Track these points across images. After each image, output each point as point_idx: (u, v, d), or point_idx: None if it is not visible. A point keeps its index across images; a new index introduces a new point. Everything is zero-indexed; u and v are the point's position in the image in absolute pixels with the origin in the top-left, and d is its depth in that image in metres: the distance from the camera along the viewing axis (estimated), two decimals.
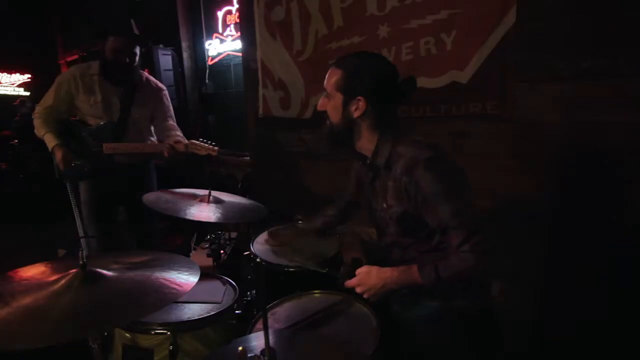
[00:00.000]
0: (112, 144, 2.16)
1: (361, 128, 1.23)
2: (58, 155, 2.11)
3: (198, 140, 2.11)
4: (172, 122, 2.37)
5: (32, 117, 2.20)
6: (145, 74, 2.36)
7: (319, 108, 1.29)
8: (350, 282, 1.24)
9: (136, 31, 2.17)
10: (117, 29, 2.12)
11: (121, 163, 2.22)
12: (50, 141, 2.14)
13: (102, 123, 2.19)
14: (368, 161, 1.27)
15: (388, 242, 1.33)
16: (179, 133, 2.29)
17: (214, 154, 2.08)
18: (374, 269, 1.21)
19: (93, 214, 2.30)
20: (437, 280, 1.09)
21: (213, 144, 2.10)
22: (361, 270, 1.23)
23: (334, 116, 1.25)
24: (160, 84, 2.40)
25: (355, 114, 1.20)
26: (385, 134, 1.22)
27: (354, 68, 1.20)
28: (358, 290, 1.22)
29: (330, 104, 1.25)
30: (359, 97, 1.18)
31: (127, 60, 2.13)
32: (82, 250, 0.94)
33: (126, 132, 2.23)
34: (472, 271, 1.08)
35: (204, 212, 1.55)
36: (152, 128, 2.39)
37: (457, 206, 1.09)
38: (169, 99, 2.42)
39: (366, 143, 1.25)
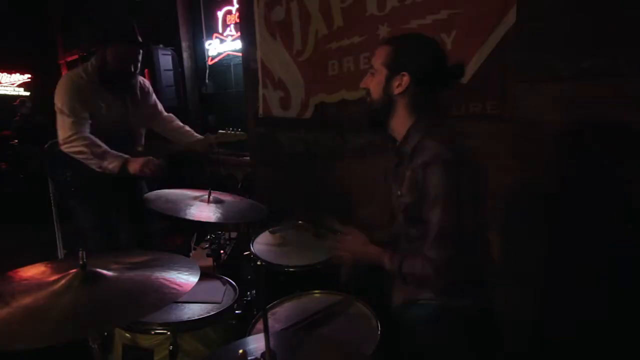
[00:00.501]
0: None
1: (398, 107, 1.23)
2: (138, 164, 1.93)
3: (224, 130, 2.13)
4: (167, 113, 2.38)
5: (71, 150, 1.92)
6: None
7: (362, 85, 1.30)
8: (341, 239, 1.35)
9: (139, 37, 2.07)
10: (123, 36, 1.99)
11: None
12: (116, 157, 1.95)
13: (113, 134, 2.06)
14: (397, 145, 1.28)
15: (396, 231, 1.35)
16: (180, 122, 2.32)
17: (245, 138, 2.15)
18: (361, 238, 1.30)
19: (97, 225, 2.15)
20: (398, 272, 1.15)
21: (239, 130, 2.13)
22: (352, 234, 1.33)
23: (375, 92, 1.25)
24: (143, 79, 2.30)
25: (397, 90, 1.20)
26: (420, 121, 1.22)
27: (402, 44, 1.22)
28: (339, 247, 1.33)
29: (374, 80, 1.25)
30: (404, 73, 1.18)
31: (132, 68, 2.05)
32: (82, 251, 0.94)
33: (137, 138, 2.21)
34: (427, 281, 1.14)
35: (204, 212, 1.55)
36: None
37: (445, 217, 1.08)
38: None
39: (399, 125, 1.25)
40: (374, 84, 1.26)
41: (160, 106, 2.38)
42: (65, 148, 1.94)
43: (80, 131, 1.93)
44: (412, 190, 1.18)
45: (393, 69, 1.20)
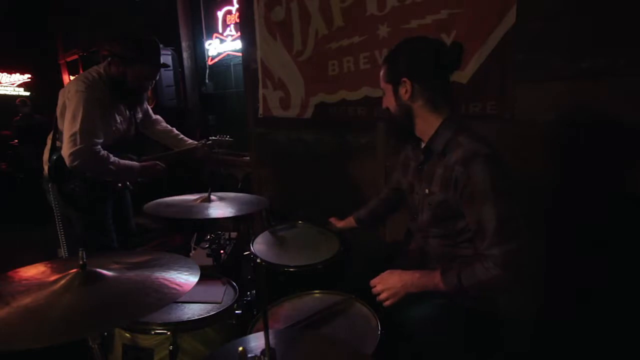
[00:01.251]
0: (153, 156, 2.22)
1: (415, 111, 1.26)
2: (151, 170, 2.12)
3: (215, 137, 2.35)
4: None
5: (84, 161, 1.84)
6: None
7: (384, 106, 1.35)
8: (373, 281, 1.28)
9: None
10: (150, 59, 1.98)
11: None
12: (130, 166, 2.04)
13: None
14: (423, 144, 1.29)
15: (414, 229, 1.37)
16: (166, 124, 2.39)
17: (231, 143, 2.37)
18: (397, 271, 1.25)
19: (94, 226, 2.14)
20: (459, 287, 1.10)
21: (227, 136, 2.33)
22: (384, 273, 1.27)
23: (393, 107, 1.30)
24: None
25: (406, 97, 1.24)
26: (449, 119, 1.23)
27: (391, 55, 1.29)
28: (378, 288, 1.25)
29: (387, 99, 1.32)
30: (403, 79, 1.23)
31: (150, 86, 2.11)
32: (82, 251, 0.94)
33: (131, 144, 2.21)
34: (495, 282, 1.08)
35: (206, 211, 1.55)
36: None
37: (501, 210, 1.08)
38: None
39: (424, 126, 1.27)
40: (388, 102, 1.32)
41: (150, 109, 2.40)
42: (77, 160, 1.83)
43: (95, 143, 1.89)
44: (446, 188, 1.18)
45: (394, 81, 1.26)
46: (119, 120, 2.06)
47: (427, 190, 1.26)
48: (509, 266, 1.07)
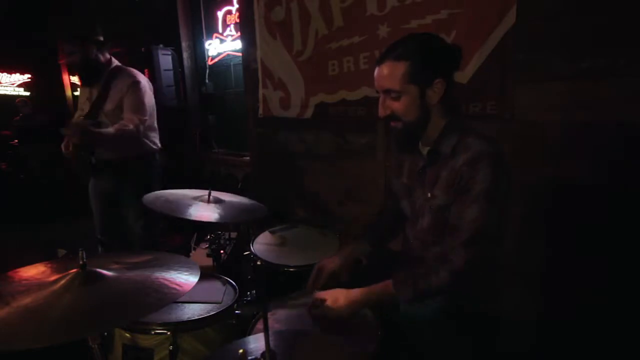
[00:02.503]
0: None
1: (433, 114, 1.17)
2: None
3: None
4: (132, 115, 2.18)
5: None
6: (122, 67, 2.29)
7: (383, 114, 1.18)
8: (319, 294, 1.23)
9: (79, 29, 2.17)
10: (56, 32, 2.15)
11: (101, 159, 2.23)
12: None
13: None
14: (424, 148, 1.23)
15: (411, 235, 1.32)
16: (126, 125, 2.16)
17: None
18: (344, 291, 1.20)
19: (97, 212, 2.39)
20: (414, 299, 1.11)
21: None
22: (330, 293, 1.22)
23: (410, 113, 1.15)
24: (135, 75, 2.25)
25: (435, 99, 1.13)
26: (454, 121, 1.18)
27: (420, 53, 1.11)
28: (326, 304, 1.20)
29: (401, 103, 1.14)
30: (438, 80, 1.11)
31: (72, 60, 2.16)
32: (82, 251, 0.94)
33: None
34: (451, 287, 1.09)
35: (204, 212, 1.55)
36: None
37: (485, 216, 1.07)
38: (142, 90, 2.23)
39: (432, 129, 1.19)
40: (403, 107, 1.14)
41: (128, 109, 2.28)
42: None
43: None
44: (449, 190, 1.15)
45: (423, 82, 1.12)
46: (82, 101, 2.29)
47: (429, 194, 1.21)
48: (467, 273, 1.07)
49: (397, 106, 1.15)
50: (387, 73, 1.13)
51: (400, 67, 1.11)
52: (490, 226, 1.09)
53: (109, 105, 2.21)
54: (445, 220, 1.17)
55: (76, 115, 2.35)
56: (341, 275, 1.37)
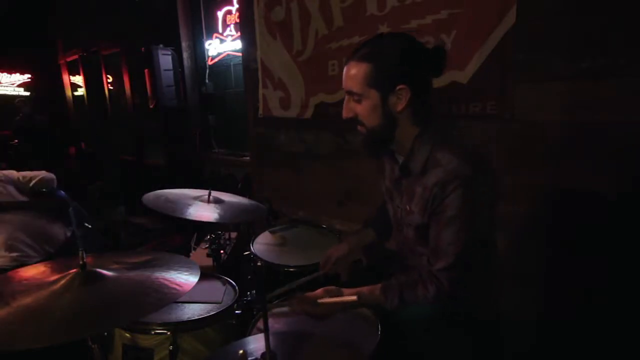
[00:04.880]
0: None
1: (400, 121, 1.08)
2: None
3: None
4: None
5: None
6: None
7: (346, 116, 1.12)
8: (312, 294, 1.19)
9: None
10: None
11: None
12: None
13: None
14: (399, 157, 1.17)
15: (399, 241, 1.31)
16: None
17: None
18: (332, 293, 1.18)
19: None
20: (399, 305, 1.11)
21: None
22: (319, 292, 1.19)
23: (372, 119, 1.08)
24: None
25: (399, 107, 1.05)
26: (425, 132, 1.09)
27: (384, 55, 1.03)
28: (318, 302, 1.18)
29: (362, 106, 1.08)
30: (401, 86, 1.03)
31: None
32: (82, 250, 0.94)
33: None
34: (435, 302, 1.08)
35: (204, 212, 1.55)
36: None
37: (462, 237, 1.03)
38: None
39: (401, 136, 1.11)
40: (365, 111, 1.08)
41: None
42: None
43: None
44: (424, 209, 1.10)
45: (385, 87, 1.04)
46: None
47: (407, 207, 1.17)
48: (452, 292, 1.06)
49: (359, 110, 1.09)
50: (350, 73, 1.08)
51: (362, 69, 1.05)
52: (469, 247, 1.05)
53: None
54: (426, 235, 1.13)
55: None
56: (350, 258, 1.40)
